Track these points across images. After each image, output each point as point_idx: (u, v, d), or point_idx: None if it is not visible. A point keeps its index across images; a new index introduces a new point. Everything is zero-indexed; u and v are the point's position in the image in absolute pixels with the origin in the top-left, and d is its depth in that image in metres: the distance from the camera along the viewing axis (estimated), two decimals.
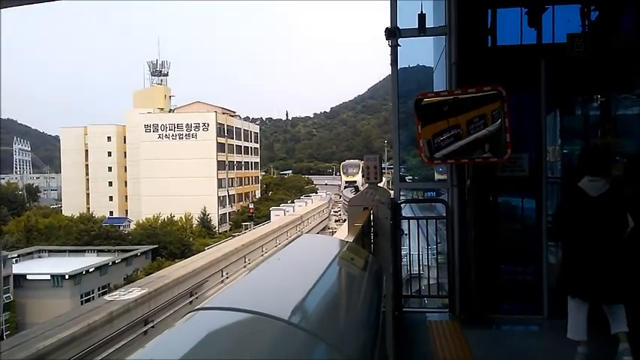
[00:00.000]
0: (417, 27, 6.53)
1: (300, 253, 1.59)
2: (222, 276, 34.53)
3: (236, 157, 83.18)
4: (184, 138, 74.55)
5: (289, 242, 1.63)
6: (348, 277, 1.45)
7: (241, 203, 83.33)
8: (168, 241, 52.45)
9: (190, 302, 27.91)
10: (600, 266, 4.53)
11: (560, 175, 7.04)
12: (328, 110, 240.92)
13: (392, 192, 6.77)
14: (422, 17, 6.50)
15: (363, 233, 3.29)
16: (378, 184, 5.39)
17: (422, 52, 7.97)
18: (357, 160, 77.09)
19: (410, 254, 7.16)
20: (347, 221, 4.20)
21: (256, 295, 1.11)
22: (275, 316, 0.93)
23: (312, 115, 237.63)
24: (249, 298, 1.06)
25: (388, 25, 6.53)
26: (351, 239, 2.37)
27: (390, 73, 6.74)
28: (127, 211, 78.15)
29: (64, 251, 47.16)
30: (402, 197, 6.94)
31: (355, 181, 71.46)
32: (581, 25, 6.59)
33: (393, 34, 6.46)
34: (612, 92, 6.71)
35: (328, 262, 1.47)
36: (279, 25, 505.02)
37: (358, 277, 1.48)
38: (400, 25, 6.52)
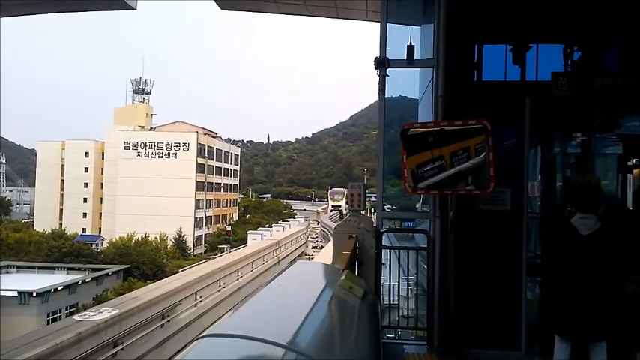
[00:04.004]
0: (405, 58, 6.63)
1: (299, 279, 1.56)
2: (195, 299, 33.92)
3: (215, 179, 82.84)
4: (164, 157, 74.12)
5: (286, 268, 1.60)
6: (347, 305, 1.43)
7: (218, 225, 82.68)
8: (141, 261, 51.65)
9: (162, 325, 27.31)
10: (585, 304, 4.52)
11: (539, 211, 7.11)
12: (310, 136, 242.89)
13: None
14: (411, 49, 6.60)
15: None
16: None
17: (406, 84, 8.06)
18: (342, 189, 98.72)
19: (390, 284, 7.10)
20: (333, 249, 4.16)
21: (260, 322, 1.08)
22: (279, 343, 0.90)
23: (293, 140, 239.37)
24: (253, 325, 1.03)
25: (372, 56, 6.62)
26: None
27: (374, 101, 6.81)
28: (100, 228, 77.05)
29: (34, 267, 46.11)
30: (384, 227, 6.93)
31: (340, 206, 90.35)
32: (564, 65, 6.75)
33: (382, 63, 6.55)
34: (593, 131, 6.84)
35: (327, 289, 1.44)
36: (262, 53, 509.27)
37: (356, 305, 1.45)
38: (387, 56, 6.61)
